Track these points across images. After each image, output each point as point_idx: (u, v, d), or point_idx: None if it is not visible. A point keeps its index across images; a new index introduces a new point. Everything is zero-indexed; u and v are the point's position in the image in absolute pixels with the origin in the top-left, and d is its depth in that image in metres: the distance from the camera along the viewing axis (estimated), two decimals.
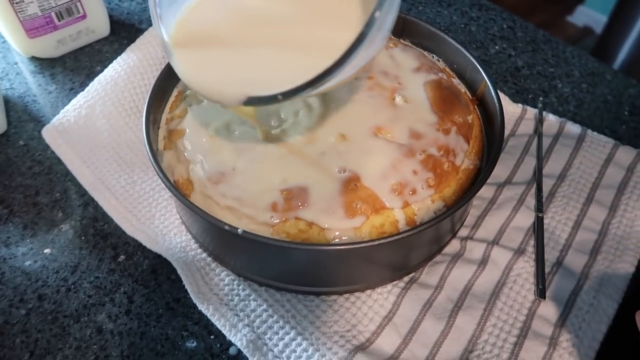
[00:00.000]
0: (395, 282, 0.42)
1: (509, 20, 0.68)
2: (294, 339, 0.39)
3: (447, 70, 0.50)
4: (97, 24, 0.63)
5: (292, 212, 0.38)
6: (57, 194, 0.50)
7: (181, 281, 0.43)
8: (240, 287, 0.42)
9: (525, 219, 0.46)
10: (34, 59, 0.62)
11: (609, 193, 0.48)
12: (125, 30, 0.66)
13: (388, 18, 0.28)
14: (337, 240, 0.38)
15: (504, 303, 0.41)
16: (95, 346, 0.40)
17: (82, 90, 0.54)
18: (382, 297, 0.41)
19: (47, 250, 0.46)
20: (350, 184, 0.38)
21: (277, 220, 0.38)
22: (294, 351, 0.38)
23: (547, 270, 0.43)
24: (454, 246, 0.44)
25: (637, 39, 1.16)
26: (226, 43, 0.34)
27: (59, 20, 0.59)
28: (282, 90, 0.30)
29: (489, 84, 0.45)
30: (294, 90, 0.29)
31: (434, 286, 0.42)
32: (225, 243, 0.41)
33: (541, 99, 0.56)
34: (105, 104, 0.52)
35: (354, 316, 0.40)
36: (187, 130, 0.43)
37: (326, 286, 0.41)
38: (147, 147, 0.40)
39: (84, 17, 0.61)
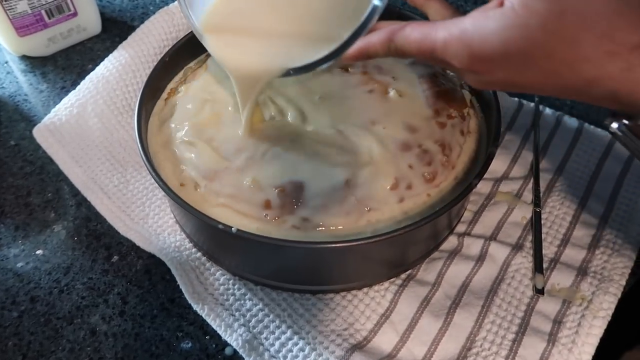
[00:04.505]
0: (392, 280, 0.42)
1: None
2: (290, 338, 0.38)
3: None
4: (88, 22, 0.62)
5: (286, 209, 0.37)
6: (49, 194, 0.49)
7: (176, 281, 0.42)
8: (236, 286, 0.41)
9: (522, 213, 0.46)
10: (24, 57, 0.61)
11: (606, 187, 0.47)
12: (117, 27, 0.65)
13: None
14: (332, 237, 0.37)
15: (502, 299, 0.41)
16: (89, 348, 0.40)
17: (74, 89, 0.53)
18: (379, 295, 0.41)
19: (39, 252, 0.45)
20: (345, 179, 0.38)
21: (272, 218, 0.37)
22: (291, 351, 0.38)
23: (545, 265, 0.43)
24: (451, 242, 0.44)
25: None
26: (251, 27, 0.39)
27: (50, 18, 0.59)
28: (314, 60, 0.34)
29: None
30: (320, 61, 0.34)
31: (432, 283, 0.41)
32: (220, 242, 0.40)
33: None
34: (97, 103, 0.51)
35: (350, 314, 0.40)
36: (180, 127, 0.43)
37: (322, 284, 0.40)
38: (140, 145, 0.40)
39: (74, 14, 0.60)
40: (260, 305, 0.40)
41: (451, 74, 0.48)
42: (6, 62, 0.61)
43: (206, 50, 0.50)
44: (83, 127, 0.51)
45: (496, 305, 0.40)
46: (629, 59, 0.24)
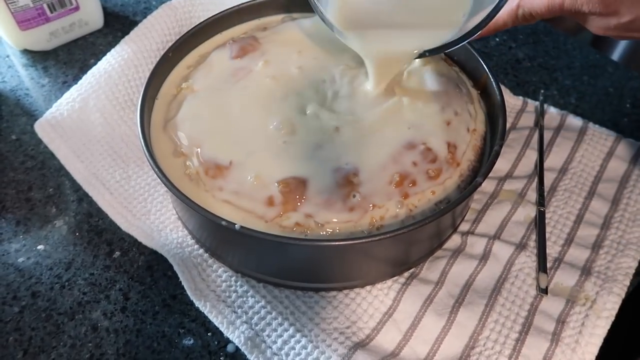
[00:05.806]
0: (395, 278, 0.41)
1: None
2: (292, 336, 0.38)
3: (448, 60, 0.49)
4: (90, 16, 0.62)
5: (289, 206, 0.37)
6: (51, 190, 0.49)
7: (178, 278, 0.42)
8: (238, 283, 0.41)
9: (526, 212, 0.46)
10: (26, 51, 0.61)
11: (611, 186, 0.47)
12: (120, 22, 0.65)
13: None
14: (336, 234, 0.37)
15: (505, 298, 0.40)
16: (90, 344, 0.39)
17: (76, 83, 0.53)
18: (382, 293, 0.40)
19: (40, 247, 0.45)
20: (349, 176, 0.38)
21: (275, 215, 0.37)
22: (293, 348, 0.38)
23: (549, 265, 0.42)
24: (454, 241, 0.44)
25: None
26: (386, 22, 0.42)
27: (51, 12, 0.58)
28: (447, 41, 0.40)
29: (490, 76, 0.44)
30: (451, 44, 0.40)
31: (435, 282, 0.41)
32: (223, 239, 0.40)
33: (542, 91, 0.56)
34: (99, 98, 0.51)
35: (353, 312, 0.39)
36: (183, 123, 0.42)
37: (325, 282, 0.40)
38: (142, 141, 0.39)
39: (76, 8, 0.60)
40: (263, 303, 0.40)
41: (456, 71, 0.48)
42: (7, 56, 0.61)
43: (204, 44, 0.50)
44: (85, 122, 0.51)
45: (499, 304, 0.40)
46: None
